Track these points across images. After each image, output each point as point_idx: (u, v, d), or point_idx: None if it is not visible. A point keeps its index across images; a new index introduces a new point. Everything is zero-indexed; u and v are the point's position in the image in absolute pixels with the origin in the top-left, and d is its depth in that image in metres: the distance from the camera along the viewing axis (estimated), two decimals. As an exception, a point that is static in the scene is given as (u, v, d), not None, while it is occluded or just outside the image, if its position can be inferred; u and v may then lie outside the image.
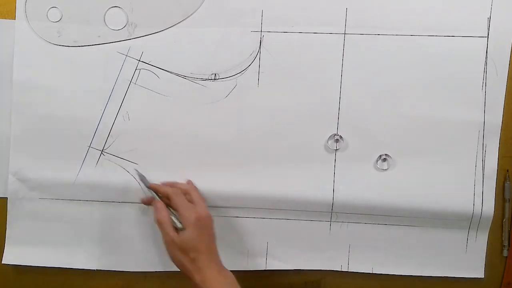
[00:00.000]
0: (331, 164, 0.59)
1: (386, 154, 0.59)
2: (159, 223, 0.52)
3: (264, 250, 0.61)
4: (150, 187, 0.57)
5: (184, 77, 0.58)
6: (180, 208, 0.52)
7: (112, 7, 0.58)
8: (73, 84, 0.58)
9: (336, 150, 0.59)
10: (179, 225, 0.52)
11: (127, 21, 0.58)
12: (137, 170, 0.58)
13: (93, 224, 0.61)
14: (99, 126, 0.59)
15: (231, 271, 0.61)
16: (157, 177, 0.59)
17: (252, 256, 0.61)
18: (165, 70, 0.58)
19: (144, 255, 0.61)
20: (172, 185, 0.57)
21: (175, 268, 0.61)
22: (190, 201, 0.54)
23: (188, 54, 0.58)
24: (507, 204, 0.60)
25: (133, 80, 0.58)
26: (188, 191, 0.55)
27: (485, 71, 0.57)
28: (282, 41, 0.57)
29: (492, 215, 0.59)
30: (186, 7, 0.57)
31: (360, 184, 0.59)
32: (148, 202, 0.57)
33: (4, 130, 0.59)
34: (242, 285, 0.61)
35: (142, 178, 0.58)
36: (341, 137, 0.59)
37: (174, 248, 0.51)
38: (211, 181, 0.59)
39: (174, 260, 0.52)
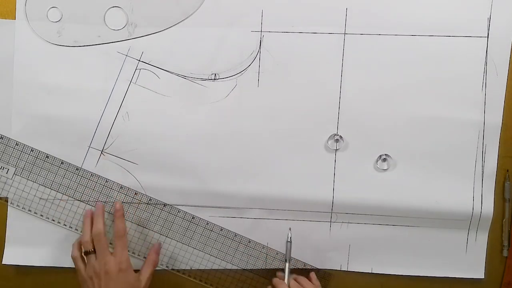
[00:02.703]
0: (331, 164, 0.59)
1: (386, 154, 0.59)
2: None
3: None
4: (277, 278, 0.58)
5: (184, 77, 0.58)
6: None
7: (112, 7, 0.58)
8: (73, 84, 0.58)
9: (336, 150, 0.59)
10: None
11: (127, 21, 0.58)
12: (288, 242, 0.59)
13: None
14: (99, 126, 0.59)
15: (230, 269, 0.61)
16: (157, 177, 0.59)
17: (252, 256, 0.61)
18: (165, 70, 0.58)
19: (145, 254, 0.61)
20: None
21: (176, 267, 0.61)
22: None
23: (188, 54, 0.58)
24: (507, 204, 0.60)
25: (133, 80, 0.58)
26: None
27: (485, 71, 0.57)
28: (282, 41, 0.57)
29: (492, 215, 0.59)
30: (186, 7, 0.57)
31: (360, 184, 0.59)
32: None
33: (4, 130, 0.59)
34: (242, 284, 0.61)
35: (288, 252, 0.58)
36: (341, 137, 0.59)
37: None
38: (211, 181, 0.59)
39: None
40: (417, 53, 0.57)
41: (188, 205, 0.60)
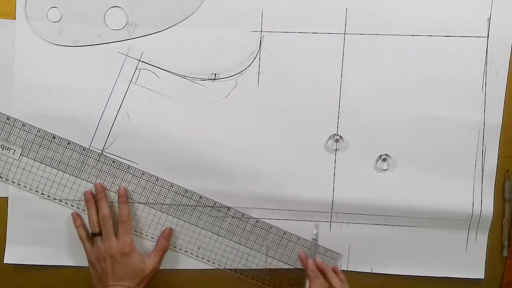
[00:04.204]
0: (331, 164, 0.59)
1: (386, 154, 0.59)
2: None
3: (264, 250, 0.61)
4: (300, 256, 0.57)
5: (184, 77, 0.58)
6: None
7: (112, 7, 0.58)
8: (73, 84, 0.58)
9: (336, 150, 0.59)
10: None
11: (127, 21, 0.58)
12: (313, 242, 0.58)
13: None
14: (99, 126, 0.59)
15: (231, 269, 0.61)
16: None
17: (252, 256, 0.61)
18: (165, 70, 0.58)
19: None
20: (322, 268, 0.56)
21: (174, 266, 0.61)
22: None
23: (188, 54, 0.58)
24: (507, 204, 0.60)
25: (133, 80, 0.58)
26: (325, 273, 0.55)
27: (485, 71, 0.57)
28: (282, 41, 0.57)
29: (491, 215, 0.59)
30: (186, 7, 0.57)
31: (360, 184, 0.59)
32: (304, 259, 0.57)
33: (4, 130, 0.59)
34: (242, 284, 0.62)
35: (312, 251, 0.58)
36: (341, 137, 0.59)
37: None
38: (211, 181, 0.59)
39: None
40: (417, 53, 0.57)
41: (188, 205, 0.60)
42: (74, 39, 0.58)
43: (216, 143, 0.59)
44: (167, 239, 0.60)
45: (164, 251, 0.59)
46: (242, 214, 0.60)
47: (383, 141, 0.58)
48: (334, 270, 0.57)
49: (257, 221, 0.60)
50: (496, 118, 0.58)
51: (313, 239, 0.58)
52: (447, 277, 0.61)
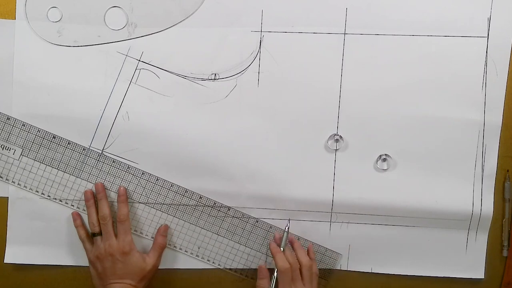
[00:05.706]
0: (331, 164, 0.59)
1: (386, 154, 0.59)
2: None
3: (264, 250, 0.61)
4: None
5: (184, 77, 0.58)
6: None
7: (112, 7, 0.58)
8: (73, 84, 0.58)
9: (336, 150, 0.59)
10: None
11: (127, 21, 0.58)
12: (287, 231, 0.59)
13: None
14: (99, 126, 0.59)
15: (231, 269, 0.61)
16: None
17: (252, 256, 0.61)
18: (165, 70, 0.58)
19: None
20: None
21: (174, 266, 0.60)
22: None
23: (188, 54, 0.58)
24: (507, 204, 0.60)
25: (133, 80, 0.58)
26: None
27: (485, 71, 0.57)
28: (282, 41, 0.57)
29: (491, 215, 0.59)
30: (186, 7, 0.57)
31: (360, 184, 0.59)
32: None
33: (4, 130, 0.59)
34: (242, 284, 0.62)
35: (284, 241, 0.59)
36: (341, 137, 0.59)
37: None
38: (210, 181, 0.59)
39: None
40: (417, 53, 0.57)
41: (188, 204, 0.60)
42: (74, 39, 0.58)
43: (216, 143, 0.59)
44: (163, 235, 0.60)
45: (162, 248, 0.59)
46: (242, 214, 0.60)
47: (383, 141, 0.58)
48: (308, 249, 0.59)
49: (257, 221, 0.60)
50: (496, 118, 0.58)
51: (285, 231, 0.59)
52: (447, 277, 0.61)
